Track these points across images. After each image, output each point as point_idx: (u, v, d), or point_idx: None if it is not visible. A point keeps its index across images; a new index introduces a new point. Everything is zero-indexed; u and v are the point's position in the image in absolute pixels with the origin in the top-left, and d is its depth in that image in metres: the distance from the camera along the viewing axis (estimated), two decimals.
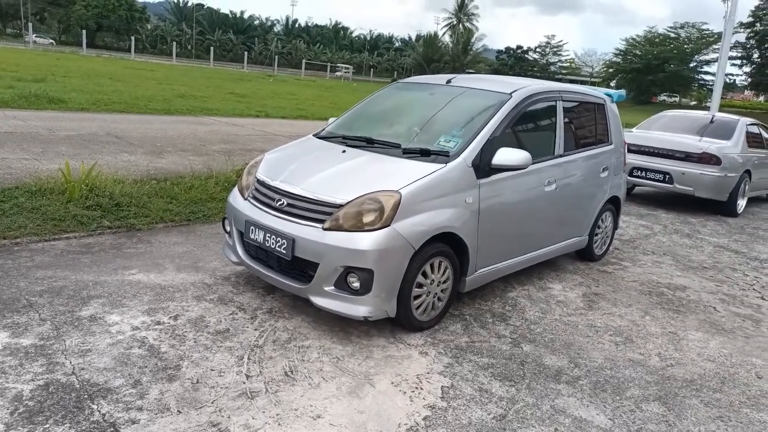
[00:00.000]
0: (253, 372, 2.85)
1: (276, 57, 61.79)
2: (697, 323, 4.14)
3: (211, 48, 61.72)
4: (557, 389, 3.02)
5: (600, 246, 5.38)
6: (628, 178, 8.36)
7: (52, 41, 58.15)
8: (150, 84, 21.33)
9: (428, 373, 3.04)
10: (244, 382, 2.75)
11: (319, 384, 2.82)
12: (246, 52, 61.21)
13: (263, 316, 3.50)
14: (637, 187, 9.39)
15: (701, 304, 4.53)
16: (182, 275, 3.99)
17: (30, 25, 49.35)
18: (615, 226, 5.60)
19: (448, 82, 4.51)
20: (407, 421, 2.60)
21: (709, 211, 8.44)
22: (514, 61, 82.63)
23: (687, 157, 8.05)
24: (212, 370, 2.83)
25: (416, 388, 2.88)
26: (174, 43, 59.47)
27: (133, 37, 55.66)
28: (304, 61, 63.82)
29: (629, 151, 8.25)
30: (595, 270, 5.14)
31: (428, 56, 70.76)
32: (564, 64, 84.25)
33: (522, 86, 4.24)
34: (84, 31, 49.60)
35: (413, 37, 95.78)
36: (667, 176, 8.13)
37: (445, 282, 3.59)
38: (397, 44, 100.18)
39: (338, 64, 63.13)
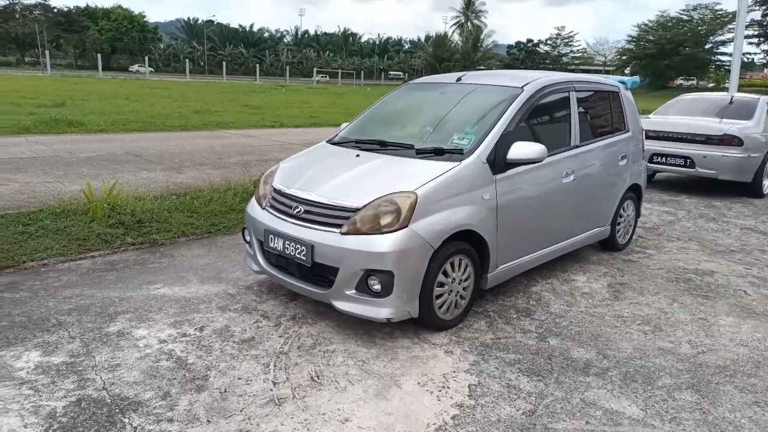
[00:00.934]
0: (279, 379, 2.86)
1: (287, 67, 62.32)
2: (728, 308, 4.05)
3: (224, 63, 62.53)
4: (586, 382, 2.98)
5: (623, 235, 5.30)
6: (649, 164, 8.25)
7: (151, 69, 60.47)
8: (166, 102, 21.69)
9: (454, 371, 3.03)
10: (272, 389, 2.76)
11: (346, 387, 2.82)
12: (258, 65, 61.87)
13: (287, 323, 3.52)
14: (658, 174, 9.25)
15: (731, 288, 4.44)
16: (206, 287, 4.03)
17: (47, 52, 50.58)
18: (637, 214, 5.51)
19: (458, 80, 4.49)
20: (435, 421, 2.59)
21: (733, 194, 8.27)
22: (525, 55, 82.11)
23: (708, 139, 7.90)
24: (239, 378, 2.85)
25: (443, 387, 2.87)
26: (187, 60, 60.36)
27: (146, 57, 56.68)
28: (315, 69, 64.26)
29: (648, 137, 8.14)
30: (619, 259, 5.07)
31: (439, 56, 70.72)
32: (576, 55, 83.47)
33: (533, 79, 4.21)
34: (99, 55, 50.61)
35: (422, 38, 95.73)
36: (689, 160, 7.99)
37: (466, 280, 3.57)
38: (406, 46, 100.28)
39: (316, 71, 64.11)
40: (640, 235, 5.88)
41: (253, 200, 3.98)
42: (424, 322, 3.43)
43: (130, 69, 52.24)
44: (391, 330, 3.46)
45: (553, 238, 4.35)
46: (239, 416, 2.54)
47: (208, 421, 2.50)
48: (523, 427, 2.57)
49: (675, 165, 8.16)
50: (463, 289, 3.57)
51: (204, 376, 2.85)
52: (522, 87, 4.05)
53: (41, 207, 5.70)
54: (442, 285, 3.41)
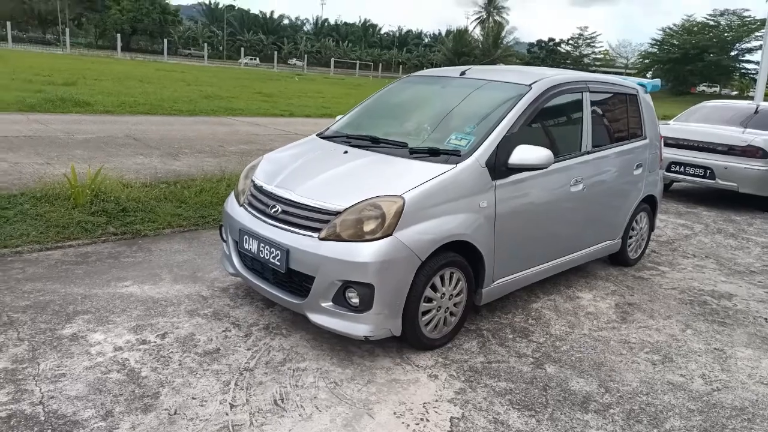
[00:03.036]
0: (238, 401, 2.56)
1: (305, 56, 61.96)
2: (747, 338, 3.69)
3: (242, 48, 62.30)
4: (584, 420, 2.65)
5: (635, 249, 4.93)
6: (666, 174, 7.84)
7: (257, 61, 60.38)
8: (179, 86, 21.46)
9: (437, 400, 2.71)
10: (227, 413, 2.46)
11: (311, 415, 2.52)
12: (276, 52, 61.55)
13: (259, 333, 3.22)
14: (675, 184, 8.82)
15: (750, 315, 4.06)
16: (178, 287, 3.74)
17: (68, 30, 50.62)
18: (651, 227, 5.14)
19: (462, 74, 4.14)
20: None
21: (755, 208, 7.83)
22: (546, 54, 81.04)
23: (730, 150, 7.46)
24: (194, 398, 2.55)
25: (421, 419, 2.55)
26: (206, 44, 60.20)
27: (165, 40, 56.56)
28: (333, 59, 63.84)
29: (666, 145, 7.73)
30: (629, 276, 4.71)
31: (458, 51, 69.92)
32: (598, 56, 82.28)
33: (543, 77, 3.85)
34: (118, 35, 50.54)
35: (443, 33, 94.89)
36: (709, 171, 7.56)
37: (458, 295, 3.24)
38: (426, 40, 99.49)
39: (243, 52, 62.79)
40: (654, 249, 5.50)
41: (232, 196, 3.67)
42: (408, 341, 3.11)
43: (240, 61, 52.51)
44: (371, 347, 3.14)
45: (558, 252, 4.00)
46: None
47: None
48: None
49: (694, 175, 7.73)
50: (454, 305, 3.24)
51: (155, 394, 2.56)
52: (530, 85, 3.70)
53: (23, 190, 5.44)
54: (429, 300, 3.09)
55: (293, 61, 65.27)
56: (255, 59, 64.05)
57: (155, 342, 3.01)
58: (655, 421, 2.69)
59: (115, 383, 2.61)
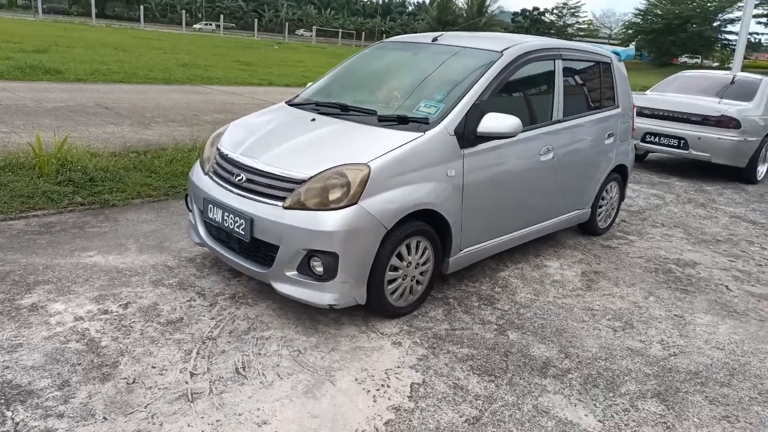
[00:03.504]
0: (199, 369, 2.56)
1: (286, 24, 60.69)
2: (707, 305, 3.77)
3: (221, 16, 60.78)
4: (543, 385, 2.70)
5: (604, 219, 4.98)
6: (640, 144, 7.89)
7: (213, 26, 57.93)
8: (155, 53, 20.92)
9: (398, 367, 2.73)
10: (187, 382, 2.46)
11: (273, 382, 2.52)
12: (256, 20, 60.16)
13: (224, 302, 3.20)
14: (650, 154, 8.89)
15: (712, 283, 4.15)
16: (144, 257, 3.70)
17: None
18: (621, 197, 5.18)
19: (434, 40, 4.08)
20: (366, 427, 2.30)
21: (726, 179, 7.94)
22: (530, 24, 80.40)
23: (704, 120, 7.51)
24: (153, 367, 2.54)
25: (382, 385, 2.58)
26: (183, 11, 58.60)
27: (142, 6, 54.92)
28: (314, 27, 62.64)
29: (642, 114, 7.77)
30: (597, 245, 4.76)
31: (442, 20, 68.98)
32: (582, 26, 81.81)
33: (515, 43, 3.81)
34: (93, 1, 48.94)
35: (427, 1, 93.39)
36: (682, 141, 7.62)
37: (424, 264, 3.25)
38: (410, 8, 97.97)
39: (300, 29, 61.01)
40: (624, 219, 5.56)
41: (197, 164, 3.61)
42: (374, 309, 3.12)
43: (194, 27, 50.27)
44: (337, 316, 3.15)
45: (527, 221, 4.02)
46: (142, 413, 2.24)
47: (104, 418, 2.19)
48: None
49: (668, 146, 7.79)
50: (420, 274, 3.25)
51: (114, 363, 2.54)
52: (501, 51, 3.65)
53: None
54: (395, 269, 3.09)
55: (300, 31, 62.31)
56: (210, 24, 62.03)
57: (117, 312, 2.98)
58: (611, 385, 2.75)
59: (74, 353, 2.59)
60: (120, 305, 3.05)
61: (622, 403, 2.61)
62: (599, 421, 2.47)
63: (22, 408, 2.20)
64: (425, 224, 3.18)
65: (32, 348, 2.59)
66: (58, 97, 9.32)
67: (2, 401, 2.23)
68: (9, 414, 2.16)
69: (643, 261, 4.47)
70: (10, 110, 7.81)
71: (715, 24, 58.58)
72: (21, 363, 2.48)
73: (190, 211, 3.60)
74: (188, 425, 2.20)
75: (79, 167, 5.17)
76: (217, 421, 2.24)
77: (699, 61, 64.00)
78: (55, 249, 3.69)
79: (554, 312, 3.46)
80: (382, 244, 2.94)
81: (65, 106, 8.57)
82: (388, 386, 2.58)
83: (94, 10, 46.70)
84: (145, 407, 2.28)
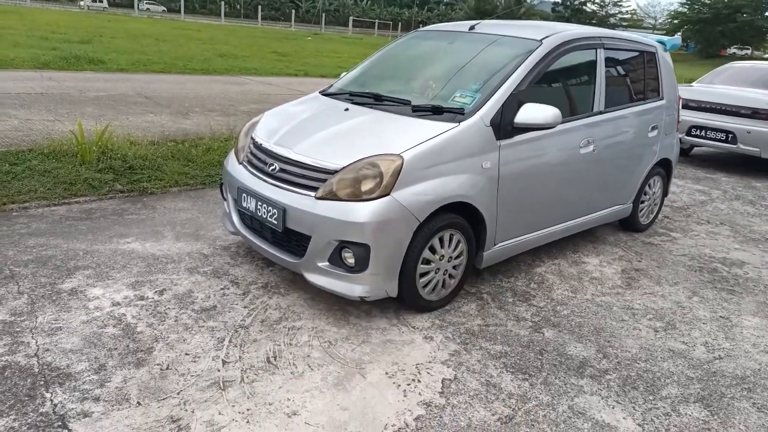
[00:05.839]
0: (231, 357, 2.57)
1: (323, 14, 60.85)
2: (755, 306, 3.60)
3: (259, 6, 61.28)
4: (579, 385, 2.62)
5: (646, 214, 4.81)
6: (686, 138, 7.61)
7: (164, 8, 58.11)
8: (194, 44, 21.24)
9: (430, 362, 2.69)
10: (219, 370, 2.48)
11: (303, 373, 2.52)
12: (293, 11, 60.48)
13: (257, 291, 3.21)
14: (696, 148, 8.56)
15: (761, 284, 3.96)
16: (180, 244, 3.74)
17: None
18: (665, 192, 5.00)
19: (471, 28, 3.99)
20: (395, 422, 2.27)
21: None
22: (570, 14, 78.49)
23: (754, 113, 7.18)
24: (187, 354, 2.56)
25: (413, 380, 2.54)
26: (222, 2, 59.28)
27: None
28: (351, 18, 62.63)
29: (688, 107, 7.48)
30: (639, 242, 4.60)
31: (480, 9, 68.03)
32: (625, 16, 79.43)
33: (555, 32, 3.69)
34: None
35: None
36: (730, 135, 7.31)
37: (458, 257, 3.19)
38: None
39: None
40: (667, 215, 5.37)
41: (232, 153, 3.62)
42: (405, 302, 3.08)
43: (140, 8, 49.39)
44: (368, 308, 3.13)
45: (565, 215, 3.91)
46: (174, 399, 2.26)
47: (138, 403, 2.22)
48: None
49: (715, 140, 7.48)
50: (453, 267, 3.19)
51: (148, 349, 2.58)
52: (540, 40, 3.54)
53: (32, 146, 5.45)
54: (428, 262, 3.04)
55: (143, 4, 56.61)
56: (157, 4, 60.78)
57: (153, 298, 3.02)
58: (652, 387, 2.65)
59: (110, 338, 2.63)
60: (156, 292, 3.09)
61: (663, 407, 2.51)
62: (638, 425, 2.38)
63: (61, 390, 2.25)
64: (459, 217, 3.12)
65: (71, 332, 2.65)
66: (100, 87, 9.55)
67: (42, 383, 2.28)
68: (48, 395, 2.21)
69: (687, 259, 4.30)
70: (55, 99, 8.04)
71: (767, 13, 56.01)
72: (60, 346, 2.53)
73: (225, 200, 3.62)
74: (219, 413, 2.21)
75: (119, 155, 5.27)
76: (248, 410, 2.25)
77: (749, 52, 61.43)
78: (94, 235, 3.76)
79: (592, 310, 3.35)
80: (414, 236, 2.90)
81: (107, 96, 8.76)
82: (419, 381, 2.54)
83: (136, 2, 47.69)
84: (178, 393, 2.30)
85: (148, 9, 52.78)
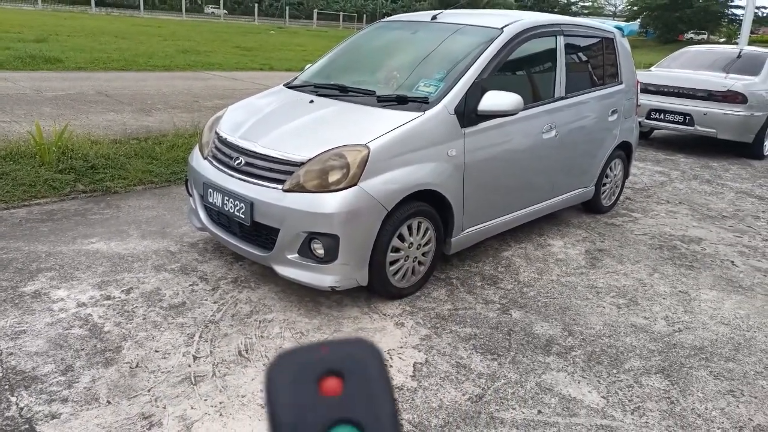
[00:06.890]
0: (202, 352, 2.57)
1: (287, 8, 60.16)
2: (712, 280, 3.74)
3: (221, 1, 60.22)
4: (546, 362, 2.69)
5: (608, 196, 4.94)
6: (646, 121, 7.81)
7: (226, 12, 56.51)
8: (155, 41, 20.77)
9: (401, 347, 2.73)
10: (190, 365, 2.47)
11: None
12: (256, 4, 59.60)
13: (226, 286, 3.20)
14: (655, 131, 8.79)
15: (717, 259, 4.12)
16: (146, 242, 3.70)
17: None
18: (626, 174, 5.13)
19: (434, 18, 4.02)
20: None
21: (732, 154, 7.84)
22: (533, 2, 79.30)
23: (710, 96, 7.41)
24: (156, 351, 2.55)
25: None
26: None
27: None
28: (315, 11, 62.11)
29: (647, 91, 7.66)
30: (602, 223, 4.73)
31: (444, 1, 68.24)
32: (586, 4, 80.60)
33: (516, 20, 3.75)
34: None
35: None
36: (688, 117, 7.53)
37: (426, 245, 3.24)
38: None
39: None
40: (628, 196, 5.52)
41: (196, 149, 3.59)
42: (376, 291, 3.11)
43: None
44: (339, 298, 3.15)
45: (530, 200, 3.99)
46: (145, 397, 2.25)
47: (108, 402, 2.21)
48: (465, 415, 2.29)
49: (673, 122, 7.70)
50: (423, 254, 3.23)
51: (117, 348, 2.55)
52: (501, 28, 3.59)
53: None
54: (397, 250, 3.08)
55: (210, 8, 56.12)
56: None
57: (120, 297, 2.99)
58: (615, 362, 2.74)
59: (77, 338, 2.60)
60: (122, 291, 3.06)
61: (626, 380, 2.60)
62: (603, 397, 2.47)
63: (26, 393, 2.22)
64: (426, 205, 3.16)
65: (36, 334, 2.60)
66: (58, 86, 9.29)
67: (6, 387, 2.24)
68: (13, 399, 2.18)
69: (648, 238, 4.44)
70: (10, 100, 7.79)
71: None
72: (25, 349, 2.49)
73: (191, 196, 3.59)
74: (191, 407, 2.21)
75: (80, 155, 5.15)
76: (220, 403, 2.25)
77: (705, 37, 63.04)
78: (57, 236, 3.69)
79: (558, 290, 3.44)
80: (382, 225, 2.93)
81: (65, 95, 8.54)
82: (391, 366, 2.58)
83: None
84: (149, 391, 2.29)
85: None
